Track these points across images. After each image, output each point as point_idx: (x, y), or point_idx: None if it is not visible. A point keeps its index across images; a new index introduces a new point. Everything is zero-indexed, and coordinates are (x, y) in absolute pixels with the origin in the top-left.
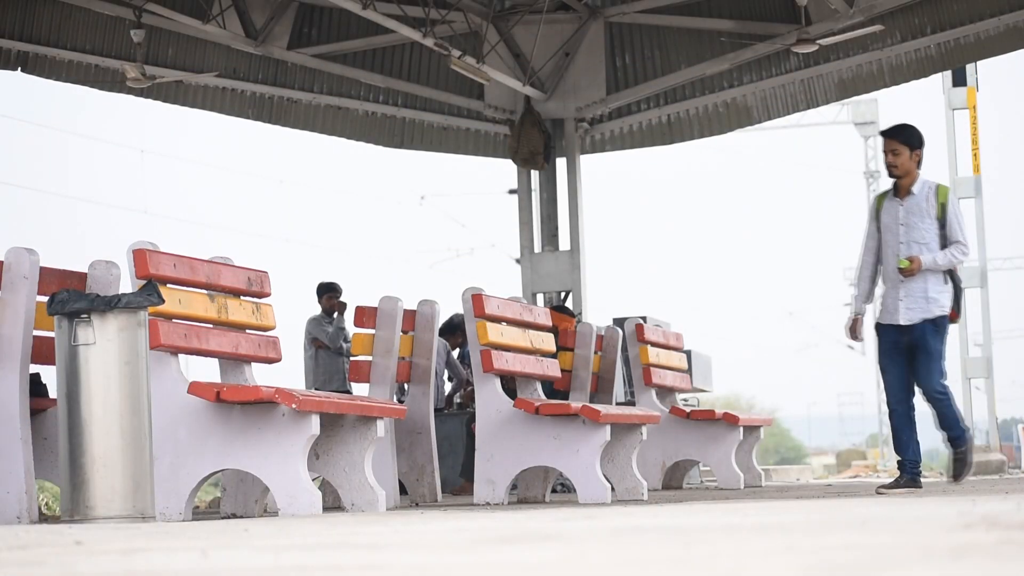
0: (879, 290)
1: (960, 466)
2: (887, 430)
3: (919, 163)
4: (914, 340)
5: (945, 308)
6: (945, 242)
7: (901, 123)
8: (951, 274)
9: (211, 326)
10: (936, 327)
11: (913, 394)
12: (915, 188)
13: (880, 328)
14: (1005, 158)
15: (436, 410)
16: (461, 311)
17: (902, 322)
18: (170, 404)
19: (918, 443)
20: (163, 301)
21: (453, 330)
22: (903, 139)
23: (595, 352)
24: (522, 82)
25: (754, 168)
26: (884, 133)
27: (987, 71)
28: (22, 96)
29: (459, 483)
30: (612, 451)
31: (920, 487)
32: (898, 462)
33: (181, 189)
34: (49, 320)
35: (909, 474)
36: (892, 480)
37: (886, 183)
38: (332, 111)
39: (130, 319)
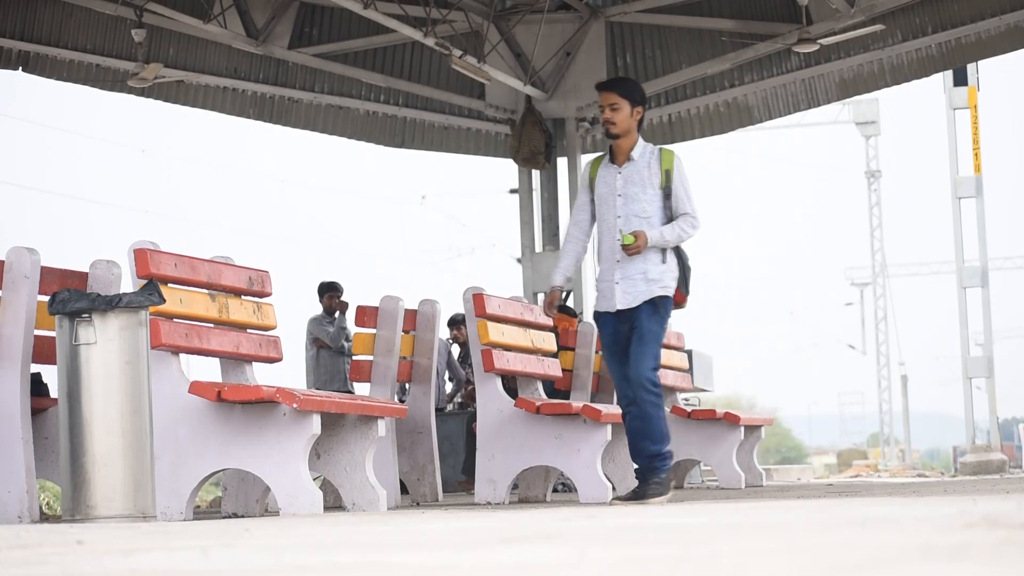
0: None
1: (660, 488)
2: (888, 429)
3: (640, 123)
4: (632, 325)
5: (668, 288)
6: (671, 214)
7: (620, 76)
8: (677, 252)
9: (212, 326)
10: (655, 307)
11: None
12: (635, 153)
13: (598, 317)
14: (1006, 157)
15: (437, 410)
16: (462, 310)
17: (620, 307)
18: (171, 403)
19: None
20: (164, 301)
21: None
22: (623, 92)
23: (596, 351)
24: (523, 82)
25: (755, 168)
26: (600, 86)
27: (988, 70)
28: (23, 96)
29: (462, 483)
30: (613, 450)
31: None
32: (636, 470)
33: (182, 189)
34: (50, 319)
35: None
36: (632, 491)
37: (888, 182)
38: (333, 111)
39: (131, 318)
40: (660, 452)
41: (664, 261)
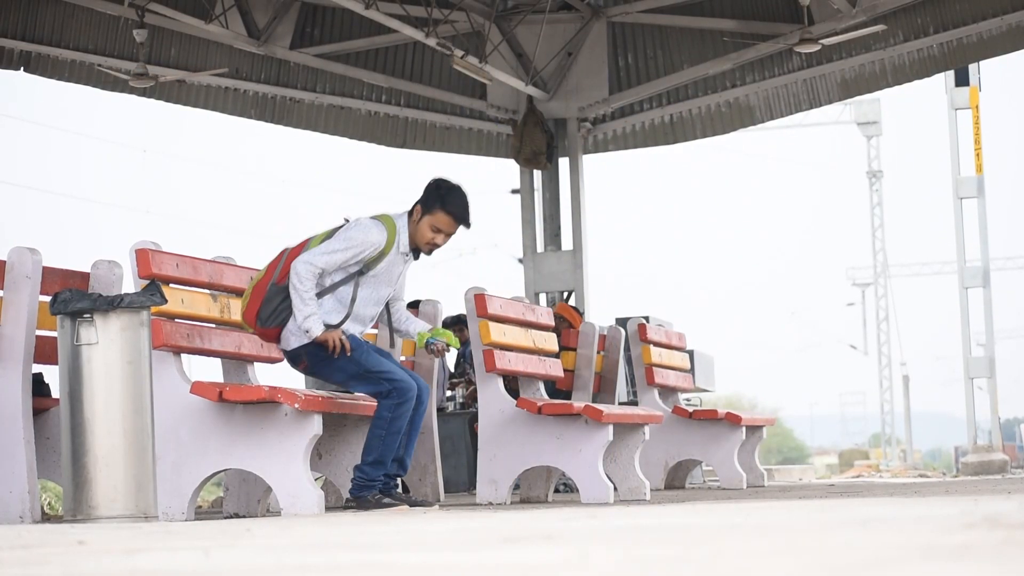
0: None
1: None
2: (889, 430)
3: None
4: None
5: None
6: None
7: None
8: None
9: (213, 326)
10: None
11: None
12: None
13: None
14: (1008, 158)
15: (438, 410)
16: (463, 310)
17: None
18: (173, 404)
19: None
20: (166, 301)
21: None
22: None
23: (598, 352)
24: (525, 82)
25: (756, 168)
26: (466, 223)
27: (990, 71)
28: (24, 96)
29: (463, 484)
30: (615, 451)
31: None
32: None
33: (183, 189)
34: (52, 320)
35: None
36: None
37: (889, 182)
38: (335, 111)
39: (133, 319)
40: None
41: None
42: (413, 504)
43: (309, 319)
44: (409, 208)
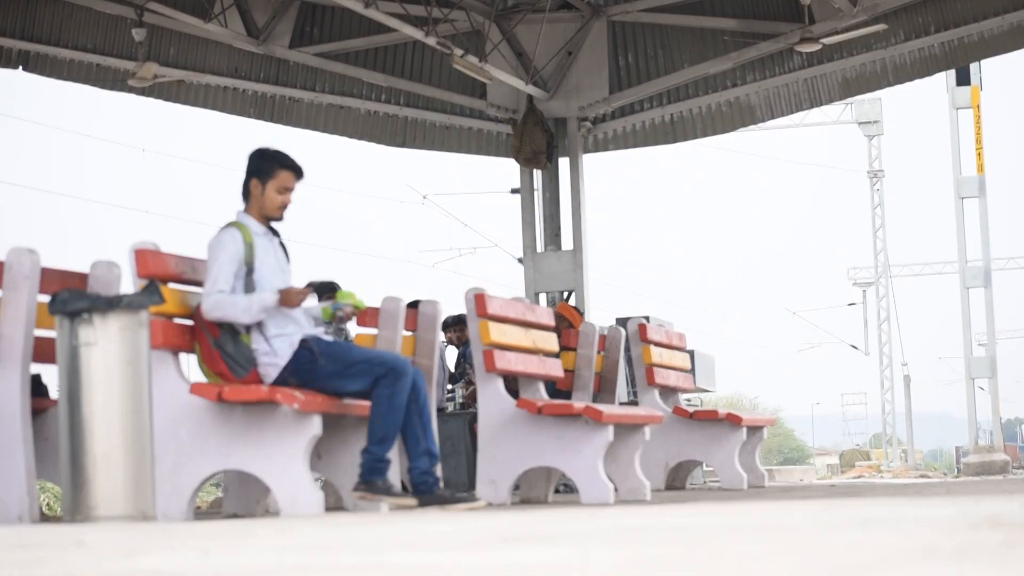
0: None
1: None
2: (891, 430)
3: None
4: None
5: None
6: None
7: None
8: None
9: None
10: None
11: None
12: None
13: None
14: (1009, 157)
15: (439, 410)
16: (464, 310)
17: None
18: (172, 404)
19: None
20: (164, 301)
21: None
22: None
23: (598, 352)
24: (525, 81)
25: (757, 168)
26: (300, 173)
27: (991, 70)
28: (25, 96)
29: (463, 484)
30: (615, 451)
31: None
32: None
33: (183, 188)
34: (50, 320)
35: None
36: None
37: (890, 182)
38: (334, 110)
39: (131, 319)
40: None
41: None
42: (454, 500)
43: (257, 303)
44: (243, 198)
